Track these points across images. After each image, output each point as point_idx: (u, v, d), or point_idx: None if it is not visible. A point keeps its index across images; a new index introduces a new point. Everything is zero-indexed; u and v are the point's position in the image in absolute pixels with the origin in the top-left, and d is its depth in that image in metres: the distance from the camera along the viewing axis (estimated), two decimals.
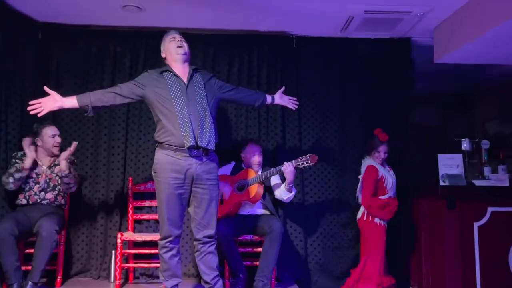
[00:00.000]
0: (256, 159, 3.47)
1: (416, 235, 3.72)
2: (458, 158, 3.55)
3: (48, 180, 3.32)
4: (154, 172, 2.73)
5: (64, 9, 3.50)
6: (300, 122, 3.92)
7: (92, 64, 3.82)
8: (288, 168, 3.21)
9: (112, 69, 3.81)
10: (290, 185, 3.30)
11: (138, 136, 3.76)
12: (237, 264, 3.27)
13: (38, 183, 3.29)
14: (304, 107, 3.92)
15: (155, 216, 3.24)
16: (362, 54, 3.99)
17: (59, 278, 3.34)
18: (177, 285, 2.79)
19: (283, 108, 3.76)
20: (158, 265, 3.34)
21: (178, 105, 2.67)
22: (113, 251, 3.48)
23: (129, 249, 3.50)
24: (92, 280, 3.56)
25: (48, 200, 3.29)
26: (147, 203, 3.66)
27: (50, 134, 3.32)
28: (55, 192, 3.33)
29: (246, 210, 3.42)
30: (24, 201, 3.26)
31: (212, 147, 2.72)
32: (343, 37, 3.95)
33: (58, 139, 3.35)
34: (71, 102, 2.73)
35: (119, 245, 3.33)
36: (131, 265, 3.53)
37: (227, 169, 3.55)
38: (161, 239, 2.73)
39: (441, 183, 3.51)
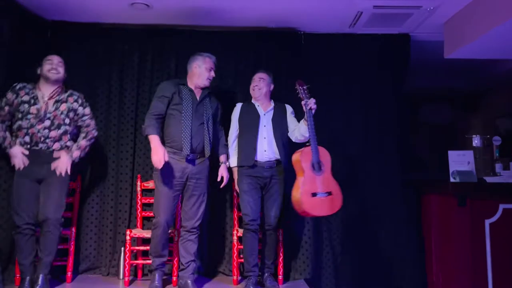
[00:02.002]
0: (254, 84, 3.35)
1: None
2: (469, 154, 3.51)
3: (52, 118, 3.08)
4: (156, 169, 3.07)
5: (73, 7, 3.52)
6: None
7: (100, 62, 3.83)
8: (311, 104, 3.08)
9: (120, 66, 3.82)
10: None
11: None
12: (251, 262, 3.26)
13: (42, 119, 3.05)
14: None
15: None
16: (370, 50, 3.96)
17: (69, 274, 3.37)
18: (160, 263, 3.16)
19: (293, 100, 3.76)
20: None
21: (185, 115, 3.11)
22: (122, 248, 3.49)
23: (138, 245, 3.51)
24: (101, 277, 3.58)
25: (52, 139, 3.06)
26: None
27: (46, 60, 3.14)
28: (60, 131, 3.10)
29: (267, 156, 3.28)
30: (27, 139, 3.02)
31: (207, 153, 3.17)
32: (352, 33, 3.92)
33: (55, 65, 3.11)
34: (157, 141, 3.04)
35: (128, 242, 3.35)
36: (140, 261, 3.54)
37: (235, 115, 3.41)
38: (155, 227, 3.12)
39: (452, 180, 3.48)
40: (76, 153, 3.14)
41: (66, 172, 3.05)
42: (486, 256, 3.35)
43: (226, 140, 3.44)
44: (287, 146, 3.36)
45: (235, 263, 3.44)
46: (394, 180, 3.84)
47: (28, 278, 2.96)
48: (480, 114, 6.11)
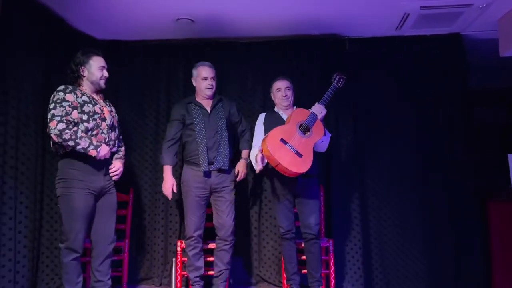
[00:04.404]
0: (282, 94, 3.26)
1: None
2: None
3: (111, 118, 2.89)
4: (182, 183, 3.23)
5: (121, 26, 3.65)
6: (356, 123, 3.82)
7: (148, 78, 3.94)
8: (321, 110, 3.03)
9: (166, 81, 3.93)
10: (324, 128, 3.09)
11: None
12: (290, 271, 3.21)
13: (104, 119, 2.82)
14: (359, 109, 3.82)
15: (211, 224, 3.31)
16: (418, 51, 3.83)
17: (124, 285, 3.46)
18: (198, 276, 3.19)
19: (338, 108, 3.71)
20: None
21: (199, 131, 3.17)
22: (174, 259, 3.55)
23: None
24: (154, 287, 3.66)
25: (113, 141, 2.88)
26: None
27: (99, 65, 2.84)
28: (116, 134, 2.93)
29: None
30: (86, 144, 2.67)
31: (226, 167, 3.18)
32: (398, 35, 3.81)
33: (106, 73, 2.87)
34: (168, 172, 3.20)
35: (179, 253, 3.40)
36: None
37: (259, 123, 3.35)
38: (186, 239, 3.20)
39: None
40: (123, 161, 3.03)
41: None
42: None
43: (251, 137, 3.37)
44: (315, 153, 3.20)
45: (285, 274, 3.40)
46: (449, 186, 3.67)
47: None
48: None
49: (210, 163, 3.15)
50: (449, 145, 3.71)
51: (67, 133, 2.62)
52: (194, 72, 3.29)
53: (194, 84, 3.30)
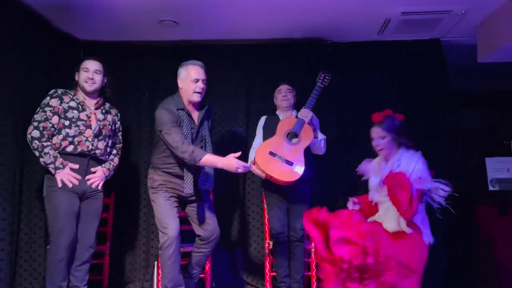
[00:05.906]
0: (282, 94, 3.34)
1: None
2: (508, 161, 3.38)
3: (101, 127, 2.85)
4: (151, 188, 2.90)
5: (104, 27, 3.61)
6: (343, 127, 3.85)
7: (131, 80, 3.91)
8: (306, 114, 3.08)
9: (150, 83, 3.90)
10: (314, 131, 3.14)
11: None
12: (281, 274, 3.24)
13: (89, 127, 2.80)
14: (342, 114, 3.86)
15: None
16: (399, 56, 3.89)
17: None
18: None
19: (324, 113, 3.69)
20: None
21: None
22: (155, 262, 3.51)
23: None
24: None
25: (100, 151, 2.85)
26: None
27: (83, 67, 2.84)
28: (105, 143, 2.88)
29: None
30: (71, 148, 2.73)
31: (210, 187, 2.90)
32: (380, 40, 3.87)
33: (89, 75, 2.82)
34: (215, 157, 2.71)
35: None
36: None
37: (259, 126, 3.41)
38: (165, 245, 2.75)
39: (490, 188, 3.35)
40: (111, 172, 2.99)
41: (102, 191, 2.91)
42: None
43: None
44: (311, 156, 3.28)
45: (267, 276, 3.40)
46: None
47: None
48: None
49: (195, 184, 2.81)
50: (432, 148, 3.77)
51: (36, 143, 2.70)
52: (182, 71, 2.83)
53: (180, 85, 2.84)
